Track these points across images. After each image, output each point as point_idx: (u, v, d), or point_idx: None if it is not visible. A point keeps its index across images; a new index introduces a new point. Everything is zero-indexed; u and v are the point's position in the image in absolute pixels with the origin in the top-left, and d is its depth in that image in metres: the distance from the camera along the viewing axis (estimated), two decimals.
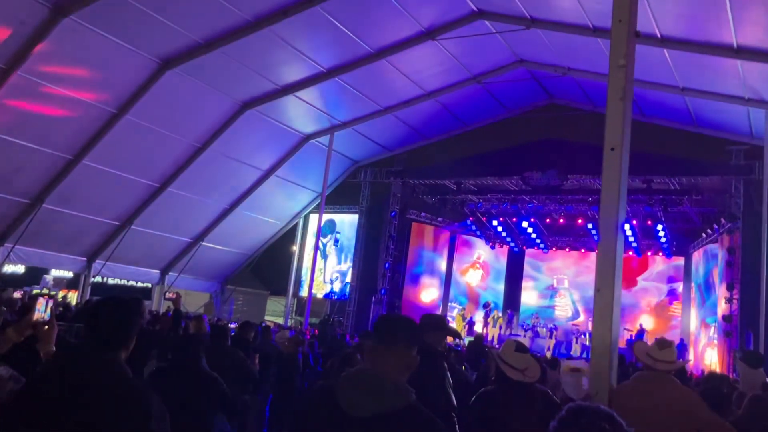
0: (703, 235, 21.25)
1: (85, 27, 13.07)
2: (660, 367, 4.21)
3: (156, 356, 7.60)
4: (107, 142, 15.86)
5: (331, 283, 24.84)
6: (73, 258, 18.73)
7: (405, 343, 2.64)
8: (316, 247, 22.32)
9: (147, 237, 19.46)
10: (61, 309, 13.88)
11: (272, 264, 26.48)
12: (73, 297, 19.88)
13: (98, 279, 19.94)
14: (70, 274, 21.06)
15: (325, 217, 22.95)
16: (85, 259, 18.98)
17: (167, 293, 18.78)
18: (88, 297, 18.51)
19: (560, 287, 26.17)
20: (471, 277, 26.40)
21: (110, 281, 21.39)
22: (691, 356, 20.82)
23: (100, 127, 15.65)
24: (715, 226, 19.64)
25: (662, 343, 4.35)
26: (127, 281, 21.89)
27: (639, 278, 24.59)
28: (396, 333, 2.67)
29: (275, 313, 31.77)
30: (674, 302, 23.90)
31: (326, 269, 25.02)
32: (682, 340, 21.01)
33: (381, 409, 2.44)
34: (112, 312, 2.70)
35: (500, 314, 25.44)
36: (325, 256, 24.98)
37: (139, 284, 22.34)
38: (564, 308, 25.84)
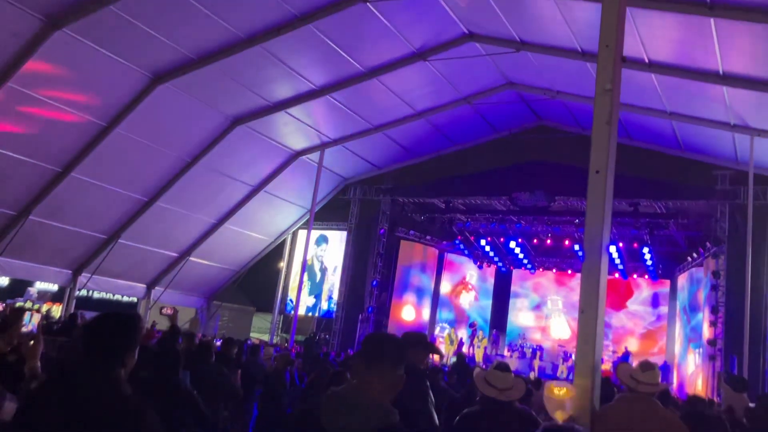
0: (689, 258, 21.42)
1: (77, 40, 13.09)
2: (642, 389, 4.24)
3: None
4: (96, 155, 15.82)
5: (317, 297, 24.76)
6: (58, 271, 18.58)
7: (391, 363, 2.64)
8: (304, 264, 22.26)
9: (134, 251, 19.35)
10: (44, 322, 13.76)
11: (259, 280, 26.36)
12: (57, 310, 19.71)
13: (83, 292, 19.78)
14: (54, 287, 20.89)
15: (314, 233, 22.91)
16: (70, 272, 18.83)
17: (164, 309, 18.66)
18: (72, 310, 18.34)
19: (555, 308, 26.18)
20: (463, 299, 26.42)
21: (95, 295, 21.24)
22: (674, 379, 20.88)
23: (90, 139, 15.61)
24: (701, 250, 19.80)
25: (645, 366, 4.39)
26: (113, 295, 21.73)
27: (628, 302, 24.69)
28: (382, 352, 2.66)
29: (261, 329, 31.56)
30: (660, 325, 24.00)
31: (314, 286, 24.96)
32: (665, 362, 21.07)
33: (362, 429, 2.43)
34: (113, 328, 2.67)
35: (485, 335, 25.43)
36: (313, 275, 24.91)
37: (125, 298, 22.20)
38: (559, 329, 25.84)
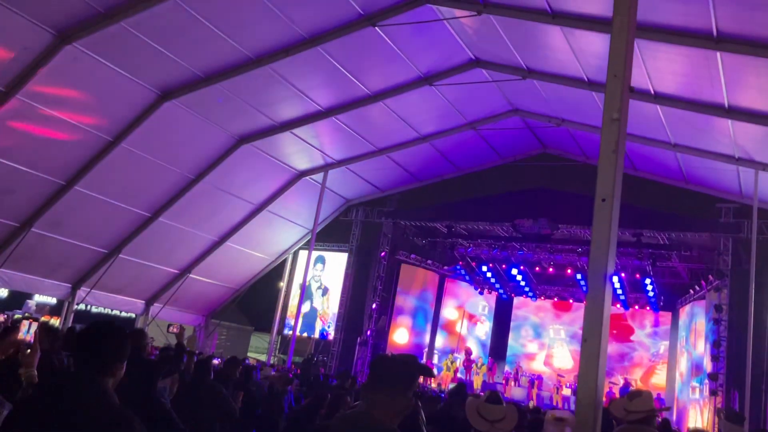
0: (691, 291, 21.31)
1: (87, 54, 13.18)
2: (631, 418, 4.26)
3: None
4: (101, 169, 15.85)
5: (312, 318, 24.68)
6: (57, 284, 18.51)
7: (400, 386, 2.65)
8: (304, 285, 22.19)
9: (134, 266, 19.31)
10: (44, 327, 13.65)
11: (258, 299, 26.28)
12: (55, 323, 19.61)
13: (82, 306, 19.69)
14: (53, 300, 20.82)
15: (313, 254, 22.86)
16: (69, 285, 18.76)
17: (171, 327, 18.62)
18: (70, 324, 18.24)
19: (558, 337, 26.04)
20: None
21: (94, 309, 21.15)
22: (674, 413, 20.67)
23: (95, 153, 15.64)
24: (703, 283, 19.71)
25: (633, 395, 4.44)
26: (111, 310, 21.63)
27: (632, 334, 24.57)
28: (390, 376, 2.68)
29: (259, 349, 31.42)
30: (662, 358, 23.84)
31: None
32: (659, 395, 20.88)
33: None
34: (103, 338, 2.66)
35: (484, 362, 25.27)
36: (310, 295, 24.81)
37: (123, 314, 22.09)
38: (562, 359, 25.68)
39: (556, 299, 25.72)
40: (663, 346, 23.89)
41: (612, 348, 23.69)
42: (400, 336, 24.08)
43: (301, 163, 20.15)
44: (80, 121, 14.79)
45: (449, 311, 26.13)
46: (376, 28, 13.72)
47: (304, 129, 17.89)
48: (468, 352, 25.23)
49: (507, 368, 25.65)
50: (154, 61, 13.93)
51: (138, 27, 12.77)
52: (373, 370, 2.75)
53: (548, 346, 26.06)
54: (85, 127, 14.94)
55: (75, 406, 2.43)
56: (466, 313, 26.55)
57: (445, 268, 24.91)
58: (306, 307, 24.19)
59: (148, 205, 18.01)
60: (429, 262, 24.57)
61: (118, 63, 13.77)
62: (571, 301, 25.14)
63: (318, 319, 24.53)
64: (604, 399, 4.35)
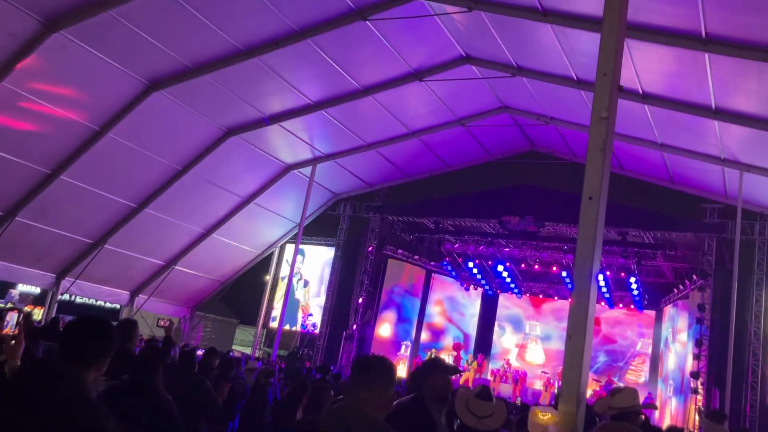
0: (675, 290, 21.48)
1: (75, 43, 13.07)
2: (613, 413, 4.29)
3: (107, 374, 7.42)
4: (87, 158, 15.74)
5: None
6: (42, 274, 18.38)
7: (381, 384, 2.81)
8: (291, 278, 22.15)
9: (120, 257, 19.20)
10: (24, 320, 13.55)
11: (244, 293, 26.22)
12: (38, 313, 19.48)
13: (66, 297, 19.57)
14: (37, 290, 20.67)
15: (301, 248, 22.83)
16: (54, 275, 18.64)
17: (160, 321, 18.54)
18: (54, 314, 18.12)
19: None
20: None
21: (78, 300, 21.02)
22: (656, 412, 20.83)
23: (82, 143, 15.53)
24: (687, 282, 19.87)
25: (615, 390, 4.48)
26: (96, 301, 21.51)
27: (619, 331, 24.75)
28: (372, 375, 2.83)
29: (244, 342, 31.39)
30: (646, 357, 24.01)
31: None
32: (649, 394, 21.06)
33: None
34: (88, 331, 2.65)
35: (473, 358, 25.35)
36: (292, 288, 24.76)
37: (108, 305, 21.97)
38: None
39: (541, 296, 25.82)
40: (647, 344, 24.04)
41: (596, 346, 23.86)
42: (386, 330, 24.12)
43: (289, 157, 20.10)
44: (67, 109, 14.68)
45: (435, 307, 26.17)
46: (368, 22, 13.69)
47: (293, 122, 17.85)
48: (457, 348, 25.30)
49: (491, 366, 25.73)
50: (142, 51, 13.83)
51: (127, 16, 12.68)
52: (355, 369, 2.92)
53: (524, 341, 26.31)
54: (71, 116, 14.82)
55: (52, 398, 2.41)
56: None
57: (432, 263, 24.95)
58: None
59: (135, 195, 17.91)
60: (416, 257, 24.60)
61: (106, 52, 13.67)
62: (555, 298, 25.24)
63: (300, 311, 24.50)
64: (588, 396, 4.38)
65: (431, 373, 4.31)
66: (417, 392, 4.21)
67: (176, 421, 4.93)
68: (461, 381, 22.76)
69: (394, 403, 3.01)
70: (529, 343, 26.22)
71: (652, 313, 23.86)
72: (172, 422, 4.92)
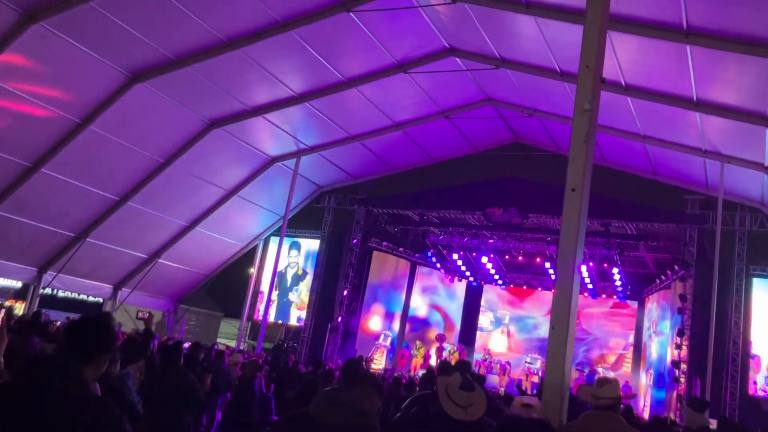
0: (657, 281, 21.68)
1: (54, 34, 12.90)
2: (603, 404, 4.30)
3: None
4: (69, 151, 15.57)
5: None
6: (22, 267, 18.19)
7: (369, 386, 3.17)
8: (275, 271, 22.08)
9: (102, 250, 19.05)
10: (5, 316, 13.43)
11: (228, 285, 26.10)
12: (20, 308, 19.29)
13: (48, 291, 19.40)
14: (18, 284, 20.47)
15: (287, 239, 22.76)
16: (35, 269, 18.45)
17: (140, 313, 18.49)
18: (36, 308, 17.96)
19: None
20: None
21: (60, 294, 20.84)
22: (641, 401, 21.07)
23: (63, 136, 15.36)
24: (669, 273, 20.06)
25: (602, 381, 4.48)
26: (78, 295, 21.34)
27: (604, 321, 24.98)
28: (360, 376, 3.15)
29: (228, 335, 31.30)
30: (629, 347, 24.23)
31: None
32: (627, 383, 21.27)
33: (347, 422, 2.78)
34: (89, 331, 2.66)
35: (455, 349, 25.49)
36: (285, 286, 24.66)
37: (91, 298, 21.80)
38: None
39: (524, 287, 25.95)
40: (629, 335, 24.27)
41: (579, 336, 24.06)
42: (371, 322, 24.15)
43: (273, 149, 20.01)
44: (47, 102, 14.51)
45: (419, 298, 26.25)
46: (351, 13, 13.63)
47: (277, 114, 17.76)
48: (441, 338, 25.42)
49: (475, 357, 25.86)
50: (123, 42, 13.69)
51: (107, 7, 12.53)
52: (344, 373, 3.27)
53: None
54: (52, 108, 14.65)
55: (53, 394, 2.41)
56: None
57: (417, 255, 25.00)
58: (277, 297, 24.09)
59: (117, 188, 17.77)
60: (400, 249, 24.63)
61: (86, 44, 13.51)
62: (539, 289, 25.37)
63: (294, 308, 24.38)
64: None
65: (445, 374, 4.40)
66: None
67: (161, 413, 4.92)
68: None
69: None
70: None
71: (634, 303, 24.08)
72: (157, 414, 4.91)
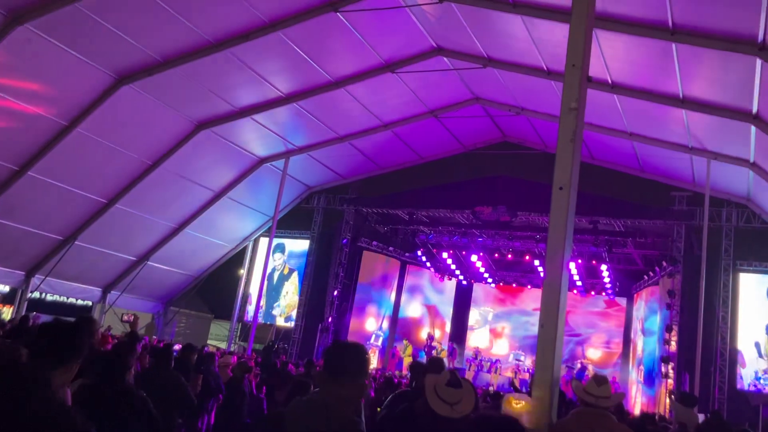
0: (645, 277, 21.81)
1: (40, 36, 12.83)
2: (602, 404, 4.30)
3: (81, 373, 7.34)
4: (55, 154, 15.48)
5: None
6: (10, 271, 18.07)
7: (353, 373, 2.67)
8: (264, 272, 22.03)
9: (91, 253, 18.95)
10: None
11: (218, 287, 26.02)
12: (8, 312, 19.16)
13: (36, 294, 19.26)
14: (6, 288, 20.32)
15: (275, 241, 22.71)
16: (23, 273, 18.34)
17: (125, 316, 18.35)
18: (24, 313, 17.83)
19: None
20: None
21: (49, 297, 20.71)
22: (631, 398, 21.18)
23: (50, 138, 15.28)
24: (657, 269, 20.19)
25: (599, 380, 4.46)
26: (67, 298, 21.21)
27: (593, 318, 25.11)
28: (344, 363, 2.68)
29: (219, 337, 31.17)
30: (617, 342, 24.36)
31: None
32: (614, 378, 21.40)
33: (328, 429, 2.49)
34: (59, 334, 2.63)
35: (444, 347, 25.53)
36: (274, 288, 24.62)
37: (80, 302, 21.68)
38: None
39: (514, 285, 26.03)
40: (618, 331, 24.40)
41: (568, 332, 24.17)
42: (361, 322, 24.13)
43: (262, 150, 19.98)
44: (34, 104, 14.42)
45: (409, 297, 26.26)
46: (338, 13, 13.64)
47: (265, 115, 17.73)
48: (430, 338, 25.47)
49: (465, 354, 25.93)
50: (110, 44, 13.62)
51: (93, 9, 12.47)
52: (326, 359, 2.77)
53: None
54: (38, 111, 14.56)
55: (18, 399, 2.38)
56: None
57: (407, 254, 25.03)
58: (265, 301, 24.02)
59: (105, 191, 17.68)
60: (390, 249, 24.64)
61: (73, 46, 13.44)
62: (529, 287, 25.47)
63: (282, 309, 24.37)
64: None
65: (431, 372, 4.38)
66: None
67: (153, 417, 4.88)
68: None
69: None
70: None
71: (623, 300, 24.21)
72: (147, 419, 4.87)
